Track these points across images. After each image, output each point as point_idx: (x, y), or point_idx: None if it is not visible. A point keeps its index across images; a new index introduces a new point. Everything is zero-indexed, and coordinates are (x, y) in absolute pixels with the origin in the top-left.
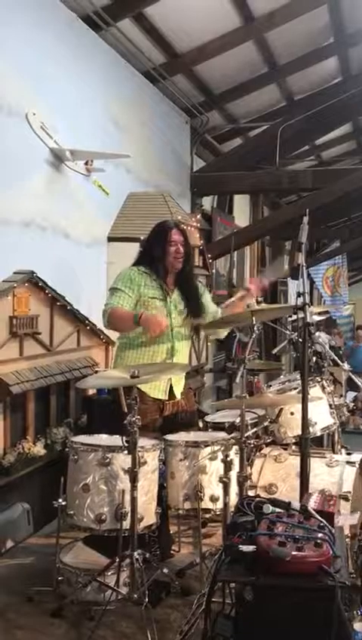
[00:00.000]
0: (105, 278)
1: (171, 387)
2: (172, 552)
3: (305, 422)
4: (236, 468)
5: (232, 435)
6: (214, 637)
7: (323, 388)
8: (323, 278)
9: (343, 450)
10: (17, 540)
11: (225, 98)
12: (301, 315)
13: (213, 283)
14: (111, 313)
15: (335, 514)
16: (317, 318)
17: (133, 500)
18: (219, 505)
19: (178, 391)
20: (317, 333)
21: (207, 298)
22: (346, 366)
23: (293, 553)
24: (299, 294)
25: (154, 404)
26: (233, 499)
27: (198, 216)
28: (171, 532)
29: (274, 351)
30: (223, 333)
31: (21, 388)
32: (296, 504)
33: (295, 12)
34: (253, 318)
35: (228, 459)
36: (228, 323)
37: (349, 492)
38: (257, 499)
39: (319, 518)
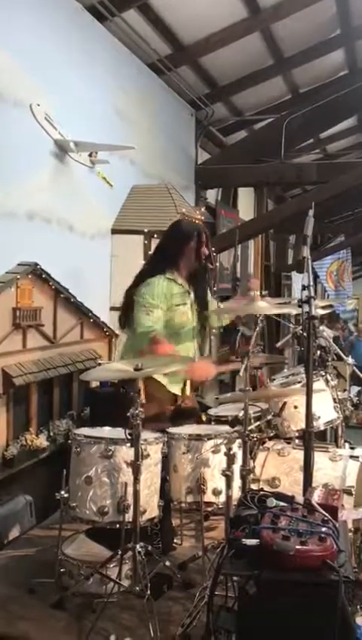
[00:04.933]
0: (108, 270)
1: (184, 384)
2: (174, 544)
3: (310, 416)
4: (239, 461)
5: (235, 428)
6: (216, 630)
7: (327, 382)
8: (327, 273)
9: (346, 445)
10: (20, 532)
11: (230, 90)
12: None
13: (217, 276)
14: (155, 340)
15: (339, 508)
16: (321, 312)
17: (136, 492)
18: (222, 498)
19: (189, 388)
20: (321, 327)
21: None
22: (350, 360)
23: (297, 547)
24: (303, 287)
25: (169, 393)
26: (236, 492)
27: (202, 209)
28: (173, 525)
29: (278, 344)
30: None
31: (24, 380)
32: (300, 498)
33: (301, 3)
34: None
35: (231, 452)
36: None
37: (352, 486)
38: (261, 492)
39: (323, 512)
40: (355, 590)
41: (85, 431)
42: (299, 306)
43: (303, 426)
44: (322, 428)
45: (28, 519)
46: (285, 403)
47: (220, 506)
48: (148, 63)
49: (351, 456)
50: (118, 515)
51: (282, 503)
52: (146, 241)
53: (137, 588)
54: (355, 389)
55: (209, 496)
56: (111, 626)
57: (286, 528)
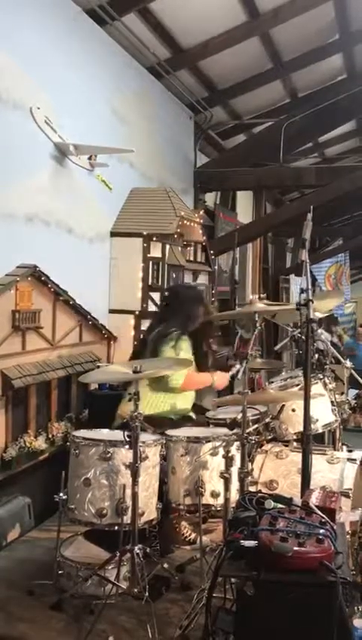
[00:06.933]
0: (107, 273)
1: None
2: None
3: (308, 418)
4: (237, 464)
5: (234, 431)
6: (214, 632)
7: (324, 385)
8: (325, 276)
9: (344, 448)
10: (18, 534)
11: (229, 94)
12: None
13: (216, 279)
14: (189, 378)
15: (336, 510)
16: (319, 315)
17: (134, 494)
18: (220, 500)
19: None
20: (319, 330)
21: None
22: (348, 363)
23: (295, 549)
24: (302, 291)
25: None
26: (234, 495)
27: (201, 212)
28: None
29: (276, 348)
30: None
31: (23, 382)
32: (298, 500)
33: (300, 8)
34: (256, 315)
35: (230, 455)
36: None
37: (350, 489)
38: (259, 494)
39: (321, 514)
40: (353, 592)
41: (84, 433)
42: (298, 309)
43: (301, 428)
44: (320, 431)
45: (27, 521)
46: (283, 406)
47: (218, 509)
48: (148, 66)
49: (349, 459)
50: (117, 517)
51: (280, 505)
52: (145, 244)
53: (135, 590)
54: (353, 392)
55: (207, 499)
56: (110, 628)
57: (285, 530)
